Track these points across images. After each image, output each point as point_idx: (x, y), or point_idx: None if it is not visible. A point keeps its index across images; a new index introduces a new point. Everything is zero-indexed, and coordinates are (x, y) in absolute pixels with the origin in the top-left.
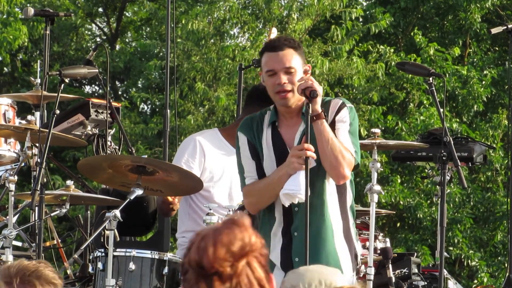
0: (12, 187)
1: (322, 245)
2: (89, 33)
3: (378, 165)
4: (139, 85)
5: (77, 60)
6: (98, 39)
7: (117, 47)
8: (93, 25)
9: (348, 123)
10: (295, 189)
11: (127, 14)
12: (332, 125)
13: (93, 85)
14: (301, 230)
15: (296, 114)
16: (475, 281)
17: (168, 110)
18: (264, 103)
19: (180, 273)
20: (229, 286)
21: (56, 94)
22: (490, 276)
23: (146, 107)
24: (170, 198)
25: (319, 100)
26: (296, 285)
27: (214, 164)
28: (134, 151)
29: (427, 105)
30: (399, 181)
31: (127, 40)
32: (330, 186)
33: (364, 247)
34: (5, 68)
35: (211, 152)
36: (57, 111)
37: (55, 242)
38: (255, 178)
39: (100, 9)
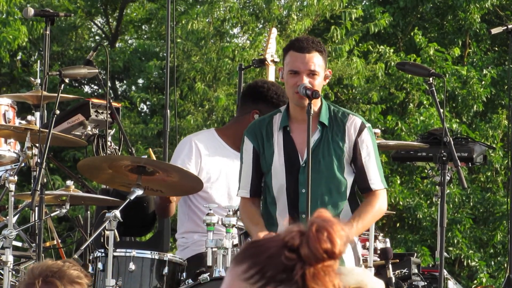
0: (12, 187)
1: None
2: (88, 32)
3: None
4: (139, 84)
5: (76, 60)
6: (97, 37)
7: (117, 45)
8: (92, 24)
9: (372, 149)
10: None
11: (128, 11)
12: (354, 145)
13: (91, 85)
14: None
15: (312, 119)
16: (475, 281)
17: (168, 110)
18: (257, 100)
19: (265, 275)
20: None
21: (56, 94)
22: (489, 277)
23: (145, 107)
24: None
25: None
26: None
27: (211, 164)
28: (134, 152)
29: (427, 106)
30: (398, 181)
31: (126, 38)
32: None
33: (364, 247)
34: (2, 68)
35: (207, 153)
36: (57, 111)
37: (55, 242)
38: (247, 192)
39: (99, 8)
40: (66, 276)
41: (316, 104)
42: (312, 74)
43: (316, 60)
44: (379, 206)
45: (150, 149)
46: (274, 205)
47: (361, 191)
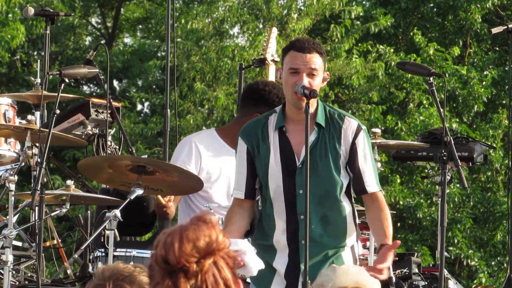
0: (12, 187)
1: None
2: (86, 32)
3: (379, 165)
4: (139, 84)
5: (74, 59)
6: (94, 35)
7: (114, 44)
8: (90, 24)
9: (368, 152)
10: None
11: (127, 10)
12: (351, 147)
13: (90, 85)
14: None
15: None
16: (475, 281)
17: (168, 110)
18: (258, 103)
19: (148, 275)
20: (194, 283)
21: (56, 94)
22: (489, 276)
23: (144, 108)
24: (163, 201)
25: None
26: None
27: (211, 164)
28: (134, 151)
29: (426, 105)
30: (398, 181)
31: (124, 38)
32: (345, 200)
33: (364, 247)
34: (1, 68)
35: (207, 153)
36: (57, 111)
37: (55, 242)
38: (242, 194)
39: (96, 8)
40: (137, 282)
41: (313, 104)
42: (312, 74)
43: (316, 61)
44: (387, 207)
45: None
46: (271, 206)
47: (357, 193)
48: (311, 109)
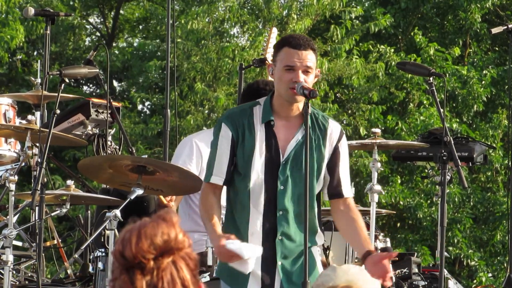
0: (12, 187)
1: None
2: (86, 32)
3: (379, 165)
4: (139, 84)
5: (74, 59)
6: (94, 37)
7: (114, 44)
8: (89, 24)
9: (347, 157)
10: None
11: (125, 11)
12: (334, 150)
13: (89, 84)
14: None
15: (296, 117)
16: (475, 280)
17: (168, 110)
18: None
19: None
20: (149, 279)
21: (56, 94)
22: (488, 276)
23: (144, 108)
24: (165, 201)
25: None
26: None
27: None
28: (134, 151)
29: (427, 105)
30: (399, 181)
31: (124, 38)
32: (317, 201)
33: None
34: (1, 69)
35: (208, 153)
36: (58, 111)
37: (55, 242)
38: (222, 179)
39: (95, 8)
40: None
41: (300, 103)
42: (307, 71)
43: (311, 58)
44: (359, 214)
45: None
46: (248, 197)
47: (330, 197)
48: (300, 107)
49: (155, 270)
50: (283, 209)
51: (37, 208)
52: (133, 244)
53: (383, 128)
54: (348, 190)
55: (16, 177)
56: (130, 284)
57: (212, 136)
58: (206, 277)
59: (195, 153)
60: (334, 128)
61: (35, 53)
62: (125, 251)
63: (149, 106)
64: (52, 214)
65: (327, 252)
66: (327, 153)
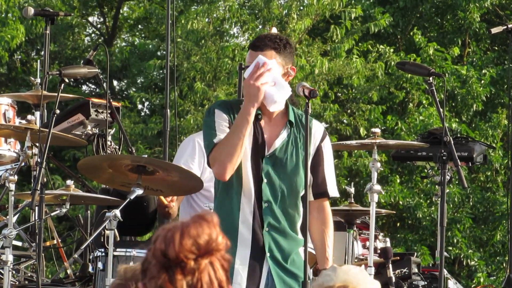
0: (12, 186)
1: (293, 242)
2: (85, 31)
3: (378, 165)
4: (139, 83)
5: (73, 59)
6: (93, 36)
7: (115, 43)
8: (89, 24)
9: (332, 156)
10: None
11: (125, 9)
12: (317, 150)
13: (89, 84)
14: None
15: (278, 115)
16: (474, 280)
17: (168, 110)
18: None
19: (140, 271)
20: (190, 280)
21: (56, 94)
22: (487, 276)
23: (144, 107)
24: (165, 201)
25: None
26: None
27: None
28: (134, 151)
29: (426, 105)
30: (398, 181)
31: (123, 37)
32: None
33: (364, 246)
34: (1, 68)
35: None
36: (57, 111)
37: (55, 242)
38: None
39: (96, 8)
40: None
41: (284, 102)
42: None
43: (269, 58)
44: (332, 221)
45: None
46: (240, 185)
47: (315, 196)
48: (283, 106)
49: (195, 270)
50: (268, 201)
51: (37, 208)
52: (176, 243)
53: (383, 128)
54: (333, 189)
55: (16, 177)
56: (170, 284)
57: (203, 122)
58: None
59: (198, 153)
60: (317, 128)
61: (34, 53)
62: (168, 250)
63: (149, 106)
64: (52, 214)
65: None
66: (311, 152)
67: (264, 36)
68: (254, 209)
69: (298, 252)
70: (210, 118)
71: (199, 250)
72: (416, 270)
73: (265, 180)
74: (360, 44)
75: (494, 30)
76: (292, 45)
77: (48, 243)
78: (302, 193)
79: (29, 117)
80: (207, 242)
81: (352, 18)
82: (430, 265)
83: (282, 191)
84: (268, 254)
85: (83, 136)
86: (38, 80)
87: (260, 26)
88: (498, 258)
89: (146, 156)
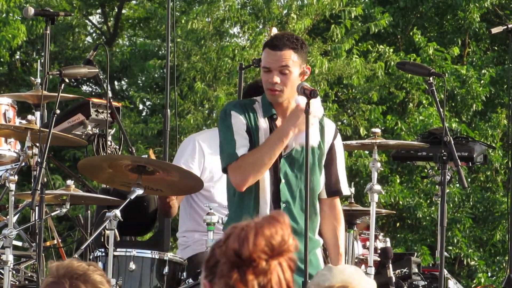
0: (12, 186)
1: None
2: (85, 31)
3: (378, 164)
4: (139, 83)
5: (73, 59)
6: (94, 35)
7: (119, 44)
8: (90, 24)
9: (343, 154)
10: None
11: (126, 10)
12: (331, 148)
13: (89, 84)
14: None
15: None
16: (474, 280)
17: (168, 110)
18: None
19: (204, 267)
20: (261, 280)
21: (56, 94)
22: (487, 276)
23: (144, 107)
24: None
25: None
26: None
27: (214, 163)
28: (134, 151)
29: (426, 105)
30: (398, 181)
31: (124, 37)
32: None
33: (364, 246)
34: (1, 68)
35: (210, 152)
36: (57, 111)
37: (55, 241)
38: (246, 148)
39: (97, 7)
40: (91, 281)
41: (291, 98)
42: (283, 71)
43: (288, 57)
44: (343, 218)
45: (151, 150)
46: (258, 186)
47: (329, 194)
48: (289, 102)
49: (266, 271)
50: (286, 202)
51: (37, 208)
52: (250, 243)
53: (383, 128)
54: (345, 187)
55: (16, 177)
56: (242, 284)
57: (219, 124)
58: None
59: (198, 152)
60: (329, 126)
61: (34, 53)
62: (242, 250)
63: (149, 106)
64: (52, 214)
65: (327, 252)
66: (325, 149)
67: (281, 35)
68: (272, 210)
69: (315, 253)
70: (227, 120)
71: (272, 251)
72: (416, 270)
73: (283, 181)
74: (360, 44)
75: (494, 30)
76: (307, 44)
77: (48, 243)
78: (319, 192)
79: (29, 117)
80: (280, 243)
81: (352, 17)
82: (430, 265)
83: (300, 191)
84: None
85: (83, 136)
86: (38, 80)
87: (260, 26)
88: (498, 258)
89: (146, 156)
